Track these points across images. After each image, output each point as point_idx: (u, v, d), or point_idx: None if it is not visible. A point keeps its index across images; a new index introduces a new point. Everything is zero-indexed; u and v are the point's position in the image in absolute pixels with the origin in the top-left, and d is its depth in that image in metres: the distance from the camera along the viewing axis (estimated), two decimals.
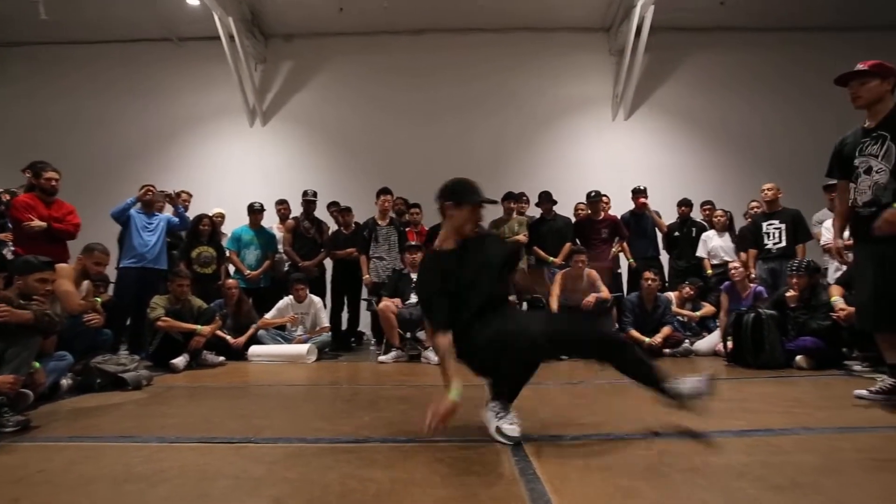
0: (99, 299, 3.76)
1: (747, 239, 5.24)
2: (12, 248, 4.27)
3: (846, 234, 2.81)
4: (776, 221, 4.97)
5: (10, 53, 8.42)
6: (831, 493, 1.38)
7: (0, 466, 1.74)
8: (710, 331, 5.03)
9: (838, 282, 3.87)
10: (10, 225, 4.37)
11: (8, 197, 4.67)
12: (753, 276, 4.97)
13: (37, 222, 4.04)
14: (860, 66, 2.50)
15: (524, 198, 5.94)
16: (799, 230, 4.92)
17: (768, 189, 5.07)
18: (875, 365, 3.32)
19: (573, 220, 5.89)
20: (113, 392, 3.12)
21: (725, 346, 4.20)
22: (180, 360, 4.07)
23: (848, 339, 3.82)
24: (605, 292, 4.81)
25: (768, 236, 5.00)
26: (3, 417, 2.15)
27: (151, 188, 4.97)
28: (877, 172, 2.43)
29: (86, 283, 3.61)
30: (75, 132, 8.13)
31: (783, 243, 4.90)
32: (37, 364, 2.65)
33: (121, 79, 8.34)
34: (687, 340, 4.84)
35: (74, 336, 3.28)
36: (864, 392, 2.60)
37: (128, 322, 4.90)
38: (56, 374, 2.95)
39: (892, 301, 2.40)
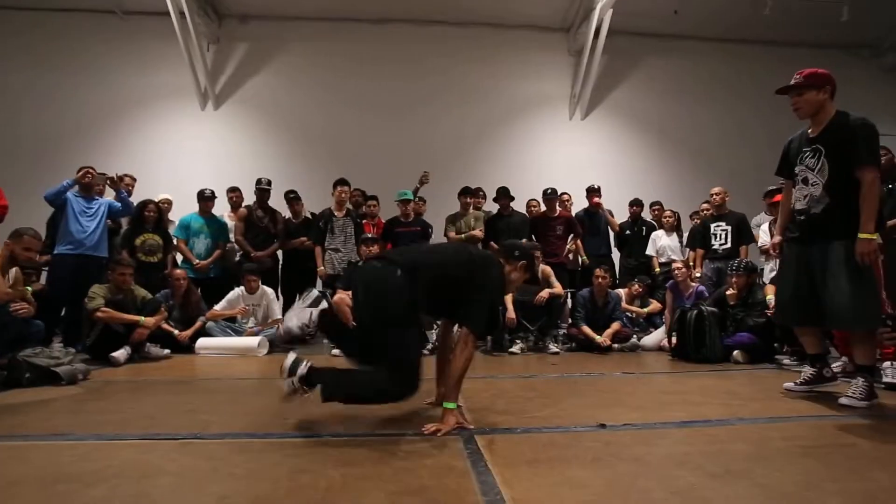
0: (29, 288, 3.51)
1: (696, 239, 5.51)
2: None
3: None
4: (723, 224, 5.27)
5: None
6: (760, 479, 1.47)
7: None
8: (656, 327, 5.25)
9: (773, 281, 4.13)
10: None
11: None
12: (698, 275, 5.23)
13: None
14: (795, 78, 2.59)
15: (481, 193, 5.99)
16: (743, 233, 5.22)
17: (717, 193, 5.36)
18: (802, 359, 3.57)
19: (528, 216, 5.99)
20: (44, 387, 2.92)
21: (670, 342, 4.40)
22: (121, 354, 3.87)
23: (779, 335, 4.09)
24: (558, 288, 4.93)
25: (715, 237, 5.29)
26: None
27: (91, 170, 4.68)
28: (812, 185, 2.55)
29: (14, 270, 3.36)
30: (2, 106, 7.53)
31: (728, 245, 5.20)
32: None
33: (56, 51, 7.77)
34: (634, 336, 5.05)
35: (2, 326, 3.05)
36: (790, 384, 2.82)
37: (63, 313, 4.61)
38: None
39: (807, 299, 2.57)
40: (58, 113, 7.66)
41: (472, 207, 5.68)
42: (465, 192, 5.68)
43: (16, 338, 3.17)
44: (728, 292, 4.35)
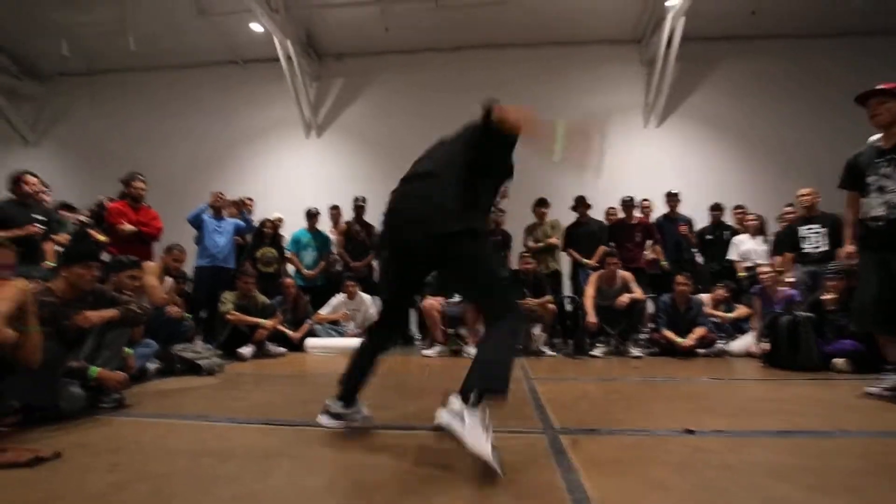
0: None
1: (783, 243, 4.98)
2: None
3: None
4: (816, 226, 4.70)
5: (104, 80, 9.04)
6: (869, 496, 1.30)
7: (101, 437, 1.89)
8: (743, 332, 4.80)
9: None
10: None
11: (108, 203, 4.92)
12: (792, 279, 4.71)
13: (128, 226, 4.30)
14: (881, 87, 2.50)
15: (547, 203, 5.85)
16: (839, 234, 4.63)
17: (806, 194, 4.81)
18: None
19: (606, 223, 5.77)
20: (190, 377, 3.30)
21: (760, 348, 4.01)
22: (247, 350, 4.26)
23: None
24: (638, 293, 4.68)
25: (807, 240, 4.73)
26: (103, 396, 2.32)
27: (220, 195, 5.21)
28: (889, 192, 2.51)
29: (169, 279, 3.84)
30: (156, 146, 8.63)
31: (824, 247, 4.64)
32: (129, 350, 2.84)
33: (193, 99, 8.79)
34: (721, 341, 4.65)
35: (159, 325, 3.48)
36: (874, 389, 2.58)
37: (202, 315, 5.15)
38: (144, 359, 3.15)
39: (888, 305, 2.48)
40: (195, 149, 8.67)
41: (546, 217, 5.60)
42: (541, 204, 5.61)
43: (171, 334, 3.62)
44: (825, 297, 3.88)
